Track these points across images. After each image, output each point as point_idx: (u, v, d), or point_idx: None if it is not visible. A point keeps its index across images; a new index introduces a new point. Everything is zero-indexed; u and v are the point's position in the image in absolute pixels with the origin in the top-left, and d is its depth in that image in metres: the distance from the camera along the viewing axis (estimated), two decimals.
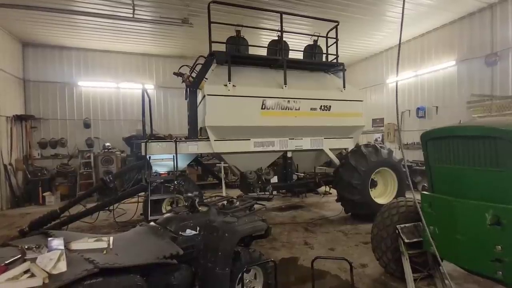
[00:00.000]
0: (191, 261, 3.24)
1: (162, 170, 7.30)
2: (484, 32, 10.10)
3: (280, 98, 7.42)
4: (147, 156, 6.72)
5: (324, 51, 8.89)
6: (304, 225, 7.31)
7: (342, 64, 8.52)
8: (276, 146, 7.62)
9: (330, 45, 8.72)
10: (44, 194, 10.89)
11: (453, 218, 3.30)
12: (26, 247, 2.56)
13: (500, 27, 9.66)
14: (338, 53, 8.54)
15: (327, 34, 8.81)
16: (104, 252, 2.69)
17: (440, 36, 11.68)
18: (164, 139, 7.41)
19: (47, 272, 2.19)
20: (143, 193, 7.11)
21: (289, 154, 8.00)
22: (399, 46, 3.29)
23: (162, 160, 7.01)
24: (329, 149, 8.20)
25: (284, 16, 7.76)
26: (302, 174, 8.34)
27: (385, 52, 14.46)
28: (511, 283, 2.87)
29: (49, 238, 2.63)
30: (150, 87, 14.01)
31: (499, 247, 2.86)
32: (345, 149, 8.54)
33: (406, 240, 3.87)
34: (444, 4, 9.83)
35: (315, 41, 8.76)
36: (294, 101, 7.54)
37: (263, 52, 8.60)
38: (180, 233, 3.28)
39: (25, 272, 2.24)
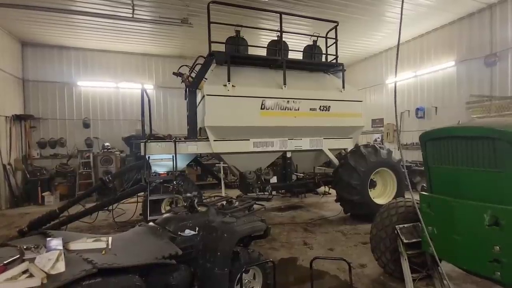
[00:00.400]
0: (190, 261, 3.24)
1: (161, 170, 7.31)
2: (484, 33, 10.12)
3: (280, 98, 7.42)
4: (147, 156, 6.72)
5: (324, 51, 8.89)
6: (303, 225, 7.32)
7: (341, 64, 8.53)
8: (276, 146, 7.63)
9: (330, 46, 8.73)
10: (43, 194, 10.88)
11: (452, 219, 3.31)
12: (24, 247, 2.56)
13: (500, 28, 9.67)
14: (338, 53, 8.55)
15: (326, 35, 8.82)
16: (103, 252, 2.69)
17: (440, 37, 11.70)
18: (164, 139, 7.41)
19: (45, 272, 2.19)
20: (142, 193, 7.11)
21: (288, 154, 8.01)
22: (398, 47, 3.29)
23: (161, 160, 7.01)
24: (329, 149, 8.20)
25: (283, 16, 7.77)
26: (302, 174, 8.35)
27: (385, 53, 14.48)
28: (509, 283, 2.87)
29: (48, 238, 2.63)
30: (149, 87, 14.02)
31: (497, 247, 2.87)
32: (344, 149, 8.54)
33: (405, 241, 3.87)
34: (443, 5, 9.84)
35: (315, 42, 8.77)
36: (293, 101, 7.55)
37: (263, 52, 8.61)
38: (179, 233, 3.28)
39: (24, 272, 2.24)
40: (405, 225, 3.99)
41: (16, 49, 11.76)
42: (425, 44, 12.31)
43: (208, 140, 7.02)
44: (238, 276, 3.31)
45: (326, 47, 8.85)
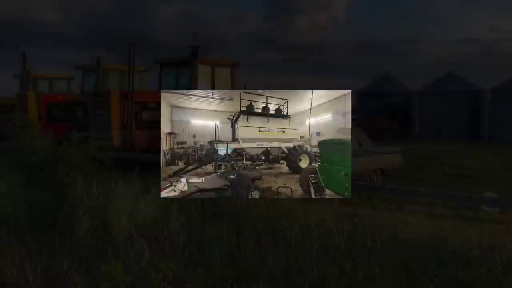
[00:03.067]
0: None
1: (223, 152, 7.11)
2: None
3: (265, 127, 7.47)
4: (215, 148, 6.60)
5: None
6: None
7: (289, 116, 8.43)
8: (265, 144, 7.59)
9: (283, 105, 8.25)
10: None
11: (329, 173, 3.38)
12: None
13: None
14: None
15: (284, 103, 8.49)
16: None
17: None
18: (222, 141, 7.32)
19: None
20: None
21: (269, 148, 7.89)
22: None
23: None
24: (284, 147, 8.15)
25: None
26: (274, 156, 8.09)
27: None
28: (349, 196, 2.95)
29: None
30: None
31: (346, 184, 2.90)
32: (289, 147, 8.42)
33: (312, 180, 3.81)
34: None
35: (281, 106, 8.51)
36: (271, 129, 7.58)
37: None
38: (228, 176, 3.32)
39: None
40: (312, 175, 3.96)
41: None
42: None
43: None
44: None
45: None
